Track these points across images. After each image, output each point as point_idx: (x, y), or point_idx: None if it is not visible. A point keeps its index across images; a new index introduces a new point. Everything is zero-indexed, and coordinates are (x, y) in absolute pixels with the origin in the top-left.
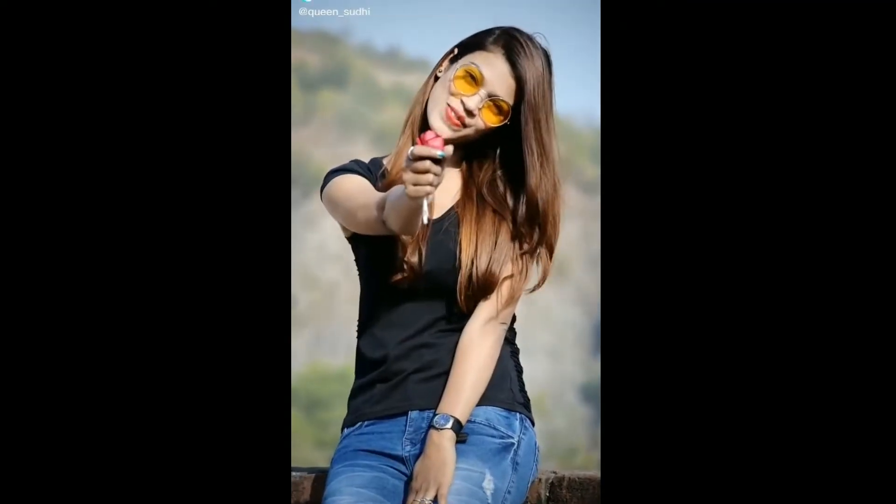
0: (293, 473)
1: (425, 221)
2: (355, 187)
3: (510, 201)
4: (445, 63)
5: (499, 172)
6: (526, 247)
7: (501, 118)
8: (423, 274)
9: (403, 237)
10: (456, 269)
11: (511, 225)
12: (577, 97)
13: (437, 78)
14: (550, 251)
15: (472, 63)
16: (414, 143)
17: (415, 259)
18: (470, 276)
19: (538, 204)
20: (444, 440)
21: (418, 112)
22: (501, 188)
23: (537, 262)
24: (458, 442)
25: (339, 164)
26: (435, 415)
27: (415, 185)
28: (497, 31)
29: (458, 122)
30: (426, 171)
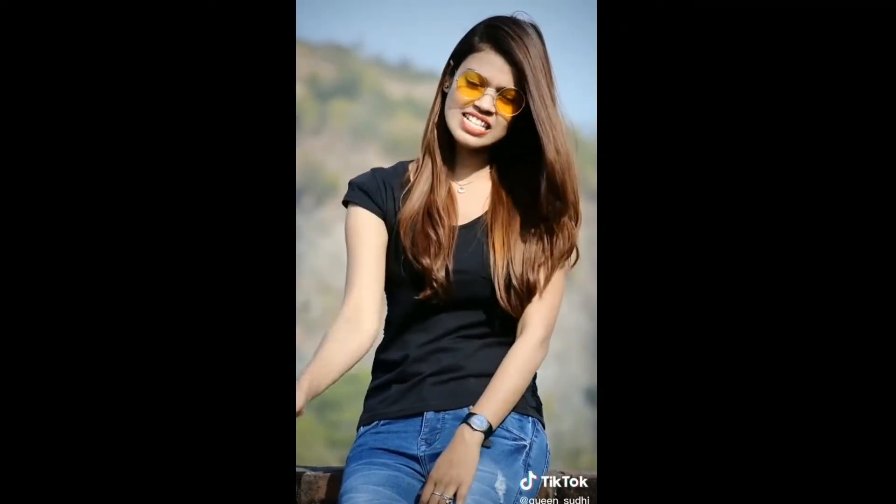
0: (309, 472)
1: None
2: (357, 255)
3: (533, 182)
4: (447, 77)
5: (523, 161)
6: (551, 220)
7: (516, 105)
8: (451, 289)
9: (425, 260)
10: (485, 278)
11: (541, 214)
12: (584, 109)
13: (444, 94)
14: (577, 217)
15: (468, 69)
16: (431, 157)
17: (441, 274)
18: (508, 279)
19: (556, 175)
20: (475, 439)
21: (427, 130)
22: (526, 175)
23: (561, 235)
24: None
25: (361, 175)
26: (470, 414)
27: None
28: (480, 28)
29: (482, 130)
30: None
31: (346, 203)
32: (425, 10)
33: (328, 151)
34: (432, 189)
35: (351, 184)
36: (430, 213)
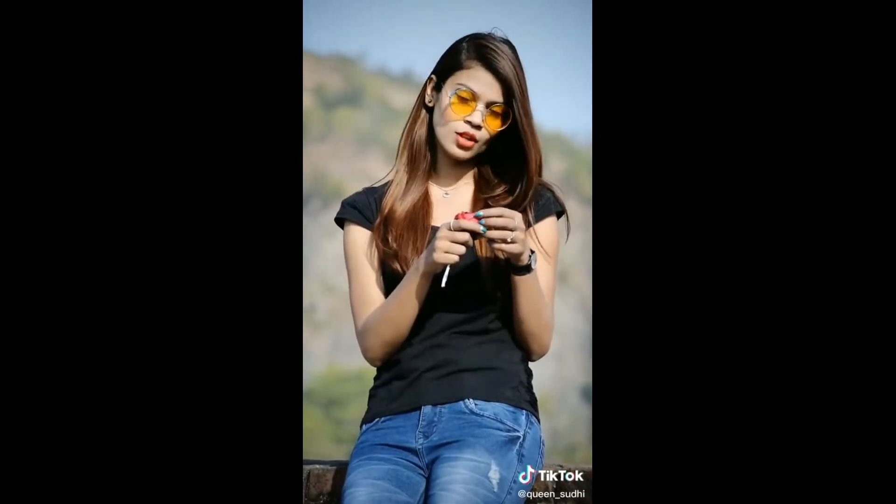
0: (316, 467)
1: (443, 285)
2: (360, 279)
3: (512, 185)
4: (430, 91)
5: (501, 167)
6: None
7: (503, 120)
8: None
9: (405, 259)
10: (474, 274)
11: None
12: (578, 117)
13: (426, 108)
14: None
15: (459, 85)
16: (411, 165)
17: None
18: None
19: (533, 170)
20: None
21: (410, 140)
22: (508, 178)
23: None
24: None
25: (352, 196)
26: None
27: (446, 252)
28: (465, 46)
29: (470, 141)
30: (463, 243)
31: (338, 221)
32: (427, 23)
33: (333, 158)
34: (404, 195)
35: (342, 203)
36: (408, 217)
